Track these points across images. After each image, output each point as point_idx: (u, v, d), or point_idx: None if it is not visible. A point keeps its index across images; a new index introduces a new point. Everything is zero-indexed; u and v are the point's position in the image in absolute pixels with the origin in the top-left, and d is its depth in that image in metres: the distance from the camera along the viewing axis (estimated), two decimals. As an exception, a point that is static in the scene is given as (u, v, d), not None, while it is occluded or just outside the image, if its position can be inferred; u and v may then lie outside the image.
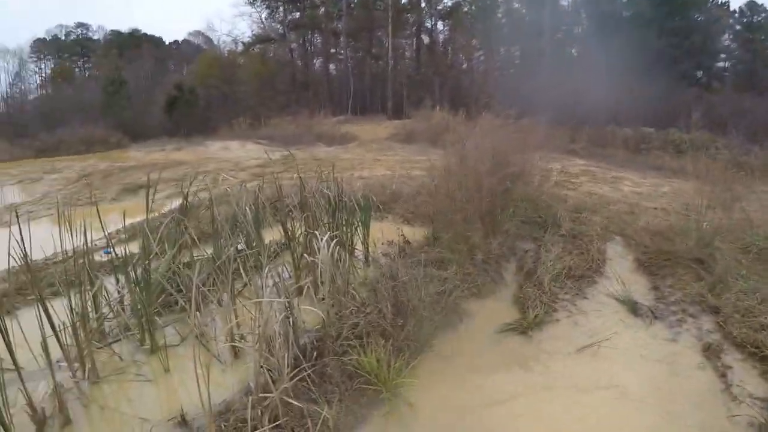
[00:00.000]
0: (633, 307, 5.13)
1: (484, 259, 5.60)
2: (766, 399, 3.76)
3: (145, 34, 39.66)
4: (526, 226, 6.93)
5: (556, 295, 5.39)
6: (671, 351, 4.45)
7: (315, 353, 3.87)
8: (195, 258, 4.98)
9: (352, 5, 33.24)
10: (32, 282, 4.25)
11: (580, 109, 18.04)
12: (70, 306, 4.22)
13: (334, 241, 4.32)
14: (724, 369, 4.15)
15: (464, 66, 30.57)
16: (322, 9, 34.03)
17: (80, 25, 41.49)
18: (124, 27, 43.19)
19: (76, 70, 40.20)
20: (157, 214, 4.73)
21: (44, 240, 4.85)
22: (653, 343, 4.58)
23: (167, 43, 41.76)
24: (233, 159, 16.52)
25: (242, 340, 4.26)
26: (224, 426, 3.49)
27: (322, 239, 4.15)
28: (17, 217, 4.20)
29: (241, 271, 4.39)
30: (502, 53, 29.12)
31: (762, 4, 27.10)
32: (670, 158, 14.38)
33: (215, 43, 36.81)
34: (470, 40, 29.58)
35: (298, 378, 3.61)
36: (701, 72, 26.07)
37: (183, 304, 4.77)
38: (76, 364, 4.43)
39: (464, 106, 19.97)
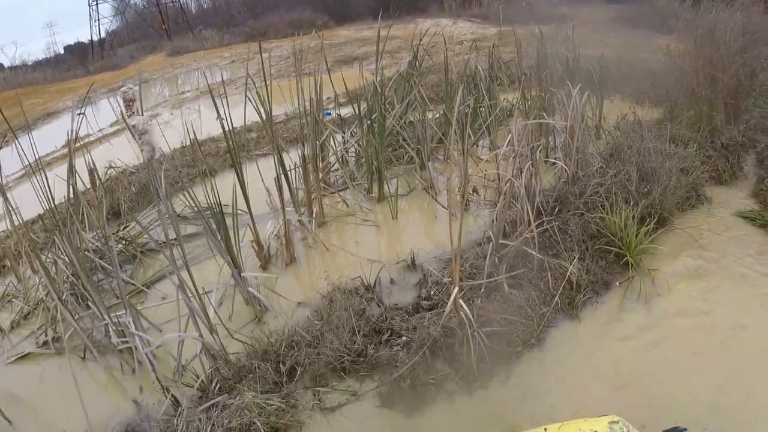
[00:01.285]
0: None
1: (725, 143, 4.90)
2: None
3: None
4: (766, 122, 5.90)
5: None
6: None
7: (556, 209, 3.68)
8: (426, 114, 4.88)
9: None
10: (270, 131, 4.42)
11: None
12: (302, 154, 4.40)
13: (584, 96, 3.93)
14: None
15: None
16: None
17: None
18: None
19: (278, -41, 41.23)
20: (380, 78, 4.62)
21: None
22: None
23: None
24: (446, 35, 16.16)
25: (474, 194, 4.21)
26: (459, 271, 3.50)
27: (572, 91, 3.80)
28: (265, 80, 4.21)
29: (468, 130, 4.21)
30: None
31: None
32: None
33: None
34: None
35: (539, 229, 3.46)
36: None
37: (413, 155, 4.77)
38: (303, 208, 4.75)
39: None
